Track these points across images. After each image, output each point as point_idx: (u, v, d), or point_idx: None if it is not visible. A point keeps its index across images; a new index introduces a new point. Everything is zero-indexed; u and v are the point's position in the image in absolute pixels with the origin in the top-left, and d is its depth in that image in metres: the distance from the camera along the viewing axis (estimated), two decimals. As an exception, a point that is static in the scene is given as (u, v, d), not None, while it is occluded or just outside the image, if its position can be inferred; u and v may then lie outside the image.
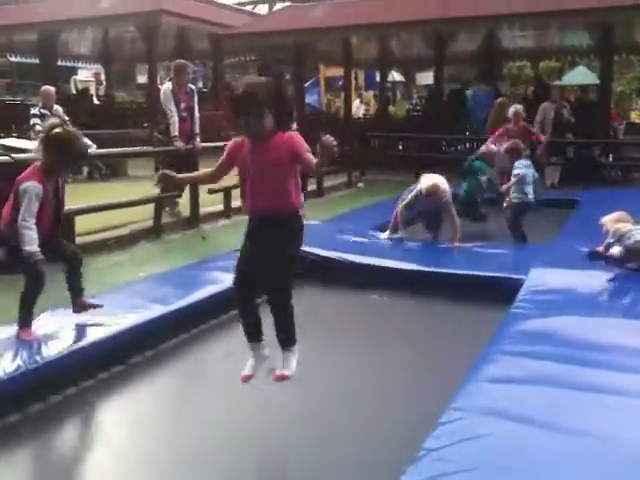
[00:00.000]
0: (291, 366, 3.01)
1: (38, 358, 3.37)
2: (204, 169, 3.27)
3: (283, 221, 2.90)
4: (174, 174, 3.20)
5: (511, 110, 9.19)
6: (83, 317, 3.96)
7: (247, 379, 3.05)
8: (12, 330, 3.70)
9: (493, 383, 3.08)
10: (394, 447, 2.90)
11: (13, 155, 5.89)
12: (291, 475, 2.77)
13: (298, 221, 2.97)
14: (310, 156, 2.87)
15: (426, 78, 21.84)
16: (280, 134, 2.87)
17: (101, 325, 3.87)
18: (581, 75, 19.05)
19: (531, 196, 6.54)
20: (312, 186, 11.03)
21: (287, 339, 3.02)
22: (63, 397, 3.40)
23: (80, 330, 3.80)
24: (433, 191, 6.21)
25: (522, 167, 6.65)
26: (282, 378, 3.00)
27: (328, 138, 2.71)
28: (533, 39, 15.69)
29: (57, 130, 3.64)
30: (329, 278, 5.43)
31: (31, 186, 3.53)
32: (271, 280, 2.95)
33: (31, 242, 3.52)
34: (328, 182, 11.65)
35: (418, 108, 18.44)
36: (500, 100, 11.26)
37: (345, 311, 4.90)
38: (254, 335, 3.08)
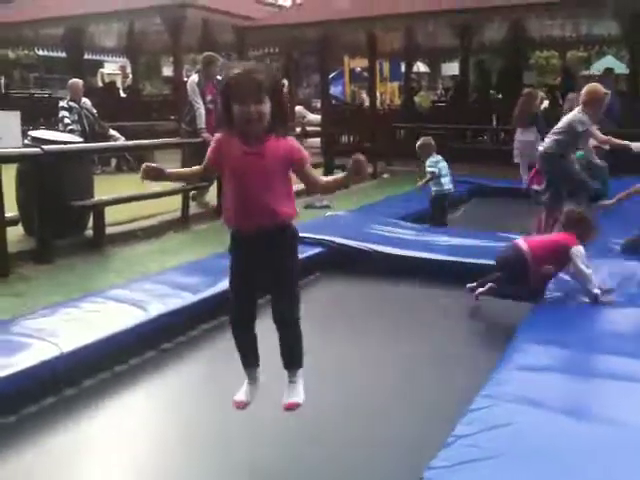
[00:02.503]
0: (300, 393, 2.71)
1: (72, 344, 3.43)
2: (193, 167, 2.78)
3: (279, 235, 2.57)
4: (160, 168, 2.66)
5: None
6: (113, 305, 4.03)
7: (242, 406, 2.76)
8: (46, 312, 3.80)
9: (523, 371, 3.08)
10: (424, 433, 2.91)
11: (43, 146, 5.99)
12: (314, 462, 2.79)
13: (293, 232, 2.64)
14: (312, 171, 2.56)
15: (452, 69, 21.71)
16: (275, 137, 2.50)
17: (131, 313, 3.93)
18: (609, 65, 18.81)
19: (447, 187, 7.15)
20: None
21: (296, 362, 2.73)
22: (96, 382, 3.46)
23: (110, 318, 3.86)
24: None
25: (433, 164, 7.10)
26: (295, 406, 2.68)
27: (359, 157, 2.43)
28: (561, 28, 15.49)
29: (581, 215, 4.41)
30: (355, 268, 5.45)
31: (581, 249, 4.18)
32: (279, 304, 2.62)
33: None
34: (353, 173, 11.63)
35: (443, 99, 18.33)
36: (528, 90, 11.06)
37: (371, 301, 4.91)
38: (251, 360, 2.78)
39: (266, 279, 2.61)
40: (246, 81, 2.42)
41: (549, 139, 6.24)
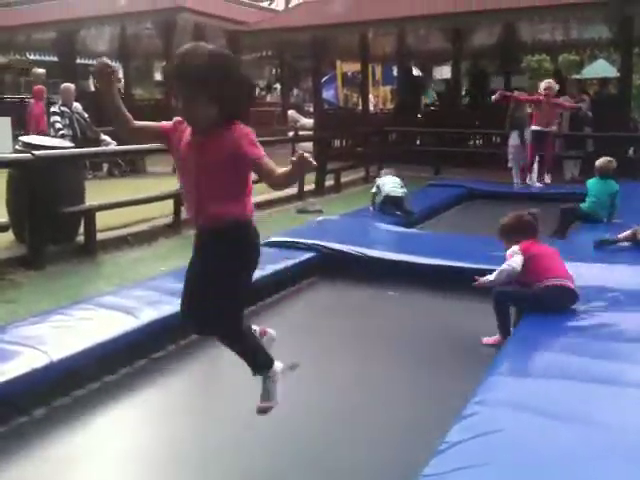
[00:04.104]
0: (272, 395, 2.56)
1: (62, 352, 3.40)
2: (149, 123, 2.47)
3: (228, 234, 2.28)
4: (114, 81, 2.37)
5: (543, 85, 8.45)
6: (105, 312, 4.00)
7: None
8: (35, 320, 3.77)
9: (515, 377, 3.08)
10: (415, 439, 2.90)
11: (34, 152, 5.96)
12: (303, 468, 2.78)
13: (247, 234, 2.33)
14: (267, 162, 2.24)
15: (443, 72, 21.73)
16: (226, 128, 2.23)
17: (122, 320, 3.90)
18: (601, 68, 18.89)
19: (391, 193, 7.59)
20: (330, 182, 11.05)
21: (255, 369, 2.52)
22: (86, 391, 3.43)
23: (101, 325, 3.83)
24: None
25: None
26: (265, 411, 2.57)
27: (303, 154, 2.22)
28: (552, 32, 15.55)
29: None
30: (347, 273, 5.44)
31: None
32: (212, 309, 2.31)
33: None
34: (345, 177, 11.65)
35: (436, 103, 18.35)
36: (518, 95, 11.04)
37: (363, 306, 4.90)
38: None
39: (205, 283, 2.30)
40: (180, 72, 2.20)
41: None
